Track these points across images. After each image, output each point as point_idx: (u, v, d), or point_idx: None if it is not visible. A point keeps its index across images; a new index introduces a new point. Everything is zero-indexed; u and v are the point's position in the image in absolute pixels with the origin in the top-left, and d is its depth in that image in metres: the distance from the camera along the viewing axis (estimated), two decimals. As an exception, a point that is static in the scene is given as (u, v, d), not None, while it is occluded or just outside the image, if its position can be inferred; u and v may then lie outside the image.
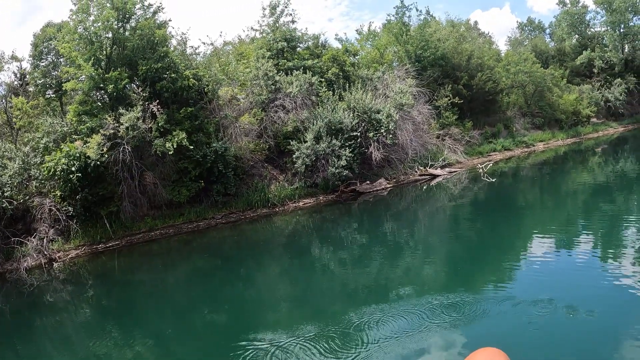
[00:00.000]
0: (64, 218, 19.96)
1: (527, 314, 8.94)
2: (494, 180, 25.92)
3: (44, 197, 20.69)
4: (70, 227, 20.00)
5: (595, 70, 51.69)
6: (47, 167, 19.50)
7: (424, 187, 26.71)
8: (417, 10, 41.12)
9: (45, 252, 18.98)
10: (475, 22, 50.93)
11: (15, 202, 19.01)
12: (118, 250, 19.80)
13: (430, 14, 41.06)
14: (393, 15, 39.02)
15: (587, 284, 10.38)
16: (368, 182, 25.75)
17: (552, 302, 9.33)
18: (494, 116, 39.01)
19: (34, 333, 12.55)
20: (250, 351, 8.92)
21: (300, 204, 24.05)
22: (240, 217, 22.71)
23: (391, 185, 26.53)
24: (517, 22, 78.01)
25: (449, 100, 33.43)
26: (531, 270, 11.96)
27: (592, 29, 56.59)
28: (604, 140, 42.84)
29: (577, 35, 57.04)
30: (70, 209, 20.16)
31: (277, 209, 23.47)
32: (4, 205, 18.50)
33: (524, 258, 13.34)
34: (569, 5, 56.98)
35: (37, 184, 20.65)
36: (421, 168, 28.58)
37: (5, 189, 18.79)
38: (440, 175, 28.35)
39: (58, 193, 20.31)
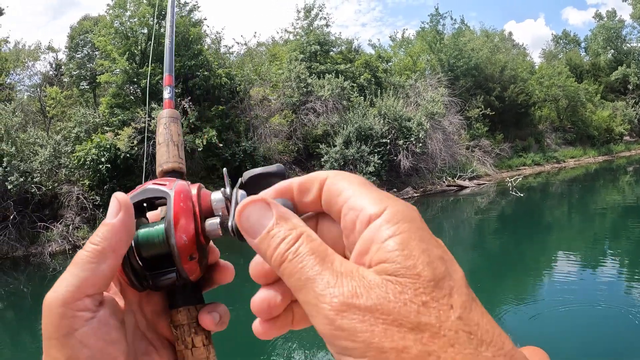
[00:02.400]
0: (91, 207, 20.15)
1: (546, 330, 8.65)
2: (522, 195, 25.42)
3: (73, 185, 20.93)
4: (96, 216, 20.18)
5: (630, 87, 50.45)
6: (77, 156, 19.72)
7: (451, 199, 26.32)
8: (451, 18, 40.64)
9: (70, 239, 19.20)
10: (510, 33, 50.30)
11: (43, 188, 19.28)
12: (142, 243, 19.81)
13: (465, 23, 40.67)
14: (427, 23, 38.70)
15: (611, 304, 10.00)
16: (395, 190, 25.46)
17: (574, 321, 9.03)
18: (525, 130, 38.35)
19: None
20: (262, 352, 8.86)
21: (326, 208, 23.83)
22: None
23: (418, 194, 26.21)
24: (552, 34, 76.81)
25: (481, 111, 32.96)
26: (553, 289, 11.57)
27: (628, 44, 55.22)
28: (636, 159, 41.80)
29: (612, 50, 55.80)
30: (97, 198, 20.37)
31: (302, 212, 23.29)
32: (32, 191, 18.80)
33: (547, 275, 12.93)
34: (605, 19, 55.93)
35: (67, 172, 20.88)
36: (449, 179, 28.20)
37: (34, 175, 19.06)
38: (468, 187, 27.94)
39: (86, 182, 20.52)
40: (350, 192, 0.44)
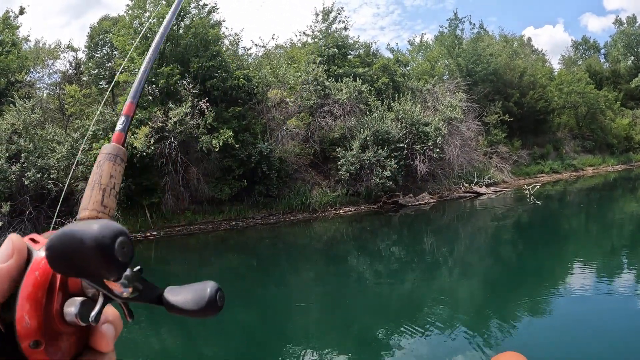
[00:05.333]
0: (106, 204, 20.23)
1: (557, 339, 8.47)
2: (539, 203, 25.08)
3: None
4: (110, 214, 20.26)
5: (651, 95, 49.75)
6: (94, 154, 19.80)
7: (467, 205, 26.06)
8: (470, 23, 40.47)
9: (83, 234, 19.28)
10: (529, 39, 49.88)
11: (60, 185, 19.41)
12: (156, 241, 19.93)
13: (484, 27, 40.37)
14: (446, 28, 38.51)
15: (628, 317, 9.76)
16: (411, 195, 25.28)
17: (587, 332, 8.82)
18: (543, 136, 37.93)
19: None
20: (274, 353, 8.81)
21: (341, 211, 23.77)
22: (279, 219, 22.58)
23: (434, 200, 25.99)
24: (572, 40, 76.06)
25: (499, 117, 32.67)
26: (569, 299, 11.32)
27: (649, 51, 54.55)
28: (655, 169, 41.20)
29: (632, 57, 54.98)
30: (112, 196, 20.44)
31: (317, 215, 23.25)
32: (49, 187, 18.93)
33: (562, 286, 12.66)
34: (626, 25, 55.17)
35: (84, 169, 20.99)
36: (466, 185, 27.94)
37: (51, 171, 19.22)
38: (485, 193, 27.64)
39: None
40: None
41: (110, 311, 0.65)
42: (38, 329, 0.54)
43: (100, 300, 0.57)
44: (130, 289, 0.61)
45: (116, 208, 0.80)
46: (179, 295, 0.66)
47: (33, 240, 0.60)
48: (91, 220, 0.51)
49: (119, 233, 0.50)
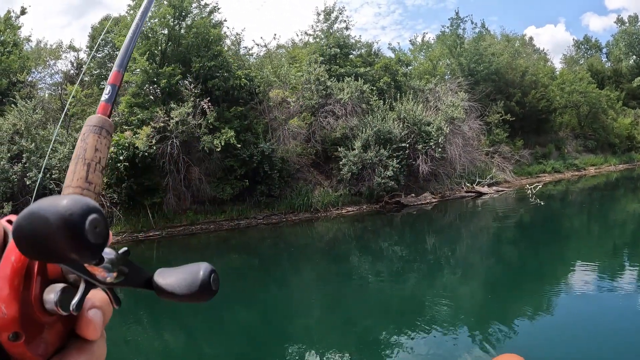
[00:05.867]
0: (108, 204, 20.31)
1: (558, 340, 8.44)
2: (541, 202, 25.01)
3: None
4: (113, 214, 20.32)
5: (653, 94, 49.64)
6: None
7: (469, 205, 26.01)
8: (472, 22, 40.41)
9: (86, 236, 19.30)
10: (530, 38, 49.76)
11: (61, 185, 19.36)
12: (158, 241, 19.92)
13: (486, 27, 40.28)
14: (447, 27, 38.46)
15: (630, 317, 9.72)
16: (413, 195, 25.24)
17: (589, 333, 8.78)
18: (545, 136, 37.85)
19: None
20: (276, 353, 8.80)
21: (343, 211, 23.73)
22: (281, 219, 22.56)
23: (436, 199, 25.93)
24: (573, 39, 75.93)
25: (501, 116, 32.60)
26: (571, 299, 11.28)
27: (651, 50, 54.42)
28: (657, 168, 41.12)
29: (634, 56, 54.86)
30: (115, 196, 20.52)
31: (319, 215, 23.22)
32: (50, 187, 18.94)
33: (564, 287, 12.60)
34: (627, 25, 55.03)
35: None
36: (468, 185, 27.88)
37: (53, 171, 19.21)
38: (487, 193, 27.59)
39: (104, 180, 20.55)
40: None
41: (99, 296, 0.59)
42: (16, 319, 0.49)
43: (82, 287, 0.53)
44: (114, 274, 0.56)
45: (102, 184, 0.74)
46: (169, 278, 0.62)
47: (10, 222, 0.55)
48: (60, 196, 0.45)
49: (89, 210, 0.43)
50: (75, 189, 0.69)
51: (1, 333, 0.48)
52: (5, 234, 0.52)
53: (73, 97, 23.48)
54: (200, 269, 0.60)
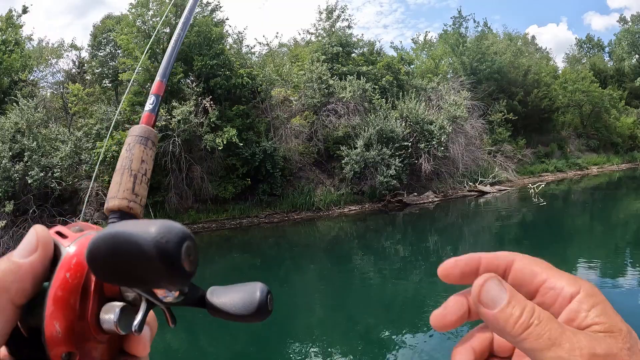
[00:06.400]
0: (109, 203, 20.26)
1: None
2: (544, 202, 24.92)
3: (92, 181, 21.07)
4: (115, 213, 20.28)
5: (656, 94, 49.45)
6: (97, 152, 19.76)
7: (472, 204, 25.93)
8: (474, 21, 40.42)
9: (88, 234, 19.31)
10: (533, 37, 49.67)
11: (63, 184, 19.40)
12: (159, 239, 19.83)
13: (488, 26, 40.22)
14: (450, 26, 38.43)
15: (632, 315, 9.66)
16: (415, 193, 25.17)
17: None
18: (547, 135, 37.75)
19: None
20: (278, 352, 8.77)
21: (345, 210, 23.68)
22: (283, 218, 22.51)
23: (438, 198, 25.86)
24: (576, 38, 75.77)
25: (503, 115, 32.53)
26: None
27: (654, 49, 54.19)
28: (659, 167, 40.98)
29: (637, 56, 54.65)
30: (117, 194, 20.45)
31: (321, 214, 23.16)
32: (52, 186, 18.93)
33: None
34: (630, 24, 54.83)
35: (87, 168, 20.99)
36: (470, 184, 27.81)
37: (55, 170, 19.18)
38: (489, 192, 27.50)
39: (106, 178, 20.59)
40: (545, 275, 0.55)
41: None
42: (71, 338, 0.46)
43: (143, 307, 0.49)
44: (176, 293, 0.51)
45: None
46: (224, 297, 0.58)
47: (60, 233, 0.51)
48: (145, 220, 0.43)
49: (184, 237, 0.42)
50: (122, 200, 0.66)
51: (53, 350, 0.46)
52: (56, 247, 0.50)
53: (75, 96, 23.50)
54: (257, 290, 0.58)
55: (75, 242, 0.49)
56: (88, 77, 27.61)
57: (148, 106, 0.81)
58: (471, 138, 28.23)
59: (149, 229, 0.40)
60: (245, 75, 22.60)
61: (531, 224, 21.91)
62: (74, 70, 29.06)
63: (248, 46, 26.78)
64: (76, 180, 20.80)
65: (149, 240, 0.39)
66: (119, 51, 25.65)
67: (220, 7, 23.86)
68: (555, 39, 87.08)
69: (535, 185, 27.82)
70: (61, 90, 26.15)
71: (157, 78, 0.86)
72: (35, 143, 19.17)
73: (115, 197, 0.66)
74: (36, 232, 0.47)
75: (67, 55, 29.30)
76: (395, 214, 23.54)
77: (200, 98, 21.15)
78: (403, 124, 24.92)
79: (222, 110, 21.69)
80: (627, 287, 11.76)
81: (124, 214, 0.64)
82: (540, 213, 23.24)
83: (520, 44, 40.51)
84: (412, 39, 50.37)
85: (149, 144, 0.75)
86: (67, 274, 0.47)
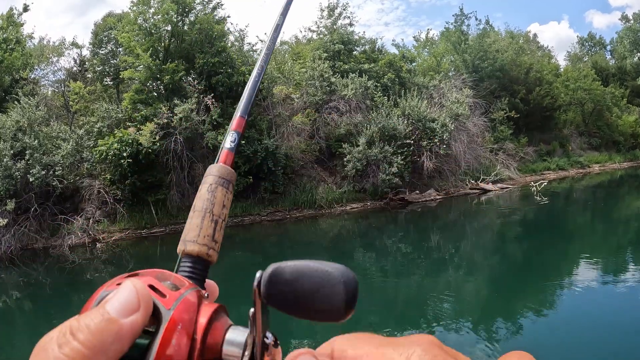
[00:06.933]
0: (112, 201, 20.29)
1: (564, 337, 8.34)
2: (546, 200, 24.84)
3: (94, 179, 21.05)
4: (116, 211, 20.30)
5: (658, 92, 49.30)
6: (99, 150, 19.75)
7: (474, 202, 25.89)
8: (476, 19, 40.23)
9: (89, 232, 19.41)
10: (535, 35, 49.54)
11: (65, 182, 19.40)
12: (161, 238, 19.86)
13: (490, 23, 40.13)
14: (452, 24, 38.32)
15: (632, 315, 9.62)
16: (417, 191, 25.12)
17: (593, 329, 8.71)
18: (549, 133, 37.70)
19: (70, 308, 12.50)
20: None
21: (347, 208, 23.63)
22: (285, 216, 22.47)
23: (441, 196, 25.81)
24: (577, 36, 75.65)
25: (505, 113, 32.50)
26: (574, 297, 11.18)
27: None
28: (660, 166, 40.92)
29: (639, 54, 54.50)
30: (118, 192, 20.48)
31: (323, 211, 23.11)
32: (54, 184, 18.92)
33: (570, 284, 12.50)
34: (632, 22, 54.67)
35: (89, 166, 20.98)
36: (472, 182, 27.75)
37: (56, 168, 19.18)
38: (491, 190, 27.46)
39: (108, 176, 20.60)
40: (363, 351, 0.49)
41: None
42: None
43: None
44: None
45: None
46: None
47: (154, 288, 0.48)
48: (325, 262, 0.49)
49: (357, 280, 0.49)
50: (202, 247, 0.64)
51: None
52: (156, 307, 0.47)
53: (76, 94, 23.46)
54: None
55: (176, 303, 0.47)
56: (89, 75, 27.51)
57: (228, 144, 0.77)
58: (473, 136, 28.16)
59: (336, 266, 0.47)
60: (247, 72, 22.53)
61: (533, 222, 21.86)
62: (75, 68, 29.00)
63: (250, 44, 26.75)
64: (77, 178, 20.77)
65: (338, 273, 0.46)
66: (120, 49, 25.59)
67: (222, 4, 23.84)
68: (556, 37, 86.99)
69: (537, 184, 27.78)
70: (62, 88, 26.10)
71: (238, 114, 0.82)
72: (36, 141, 19.14)
73: (195, 241, 0.64)
74: (137, 290, 0.45)
75: (68, 53, 29.28)
76: (397, 211, 23.51)
77: (202, 96, 21.11)
78: (405, 122, 24.86)
79: (224, 107, 21.66)
80: (628, 285, 11.73)
81: (201, 261, 0.63)
82: (542, 211, 23.20)
83: (522, 42, 40.44)
84: (414, 37, 50.37)
85: (230, 187, 0.73)
86: (173, 341, 0.46)
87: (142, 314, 0.44)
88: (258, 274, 0.50)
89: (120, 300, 0.43)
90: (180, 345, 0.46)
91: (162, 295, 0.47)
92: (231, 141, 0.76)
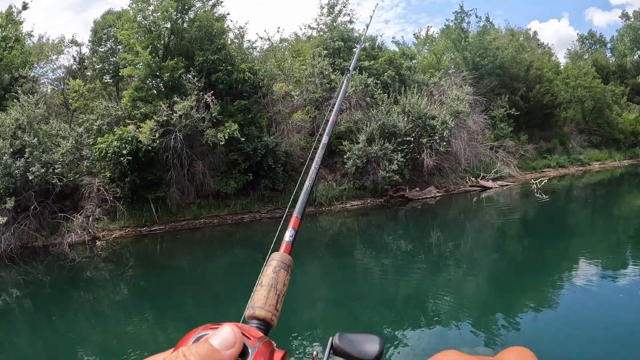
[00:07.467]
0: (111, 199, 20.27)
1: (564, 333, 8.33)
2: (546, 197, 24.78)
3: (94, 177, 21.04)
4: (116, 208, 20.28)
5: (658, 89, 49.23)
6: (99, 148, 19.72)
7: (474, 199, 25.87)
8: (476, 16, 40.16)
9: (89, 230, 19.42)
10: (535, 33, 49.43)
11: (65, 180, 19.37)
12: (161, 235, 19.87)
13: (490, 21, 40.03)
14: (452, 21, 38.22)
15: (635, 309, 9.61)
16: (417, 188, 25.11)
17: (592, 325, 8.70)
18: (549, 131, 37.65)
19: (70, 306, 12.55)
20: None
21: (347, 205, 23.62)
22: (285, 213, 22.39)
23: (441, 194, 25.79)
24: (578, 34, 75.49)
25: (505, 111, 32.46)
26: (574, 295, 11.14)
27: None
28: (660, 164, 40.92)
29: (639, 52, 54.43)
30: (118, 190, 20.45)
31: (323, 209, 23.10)
32: (53, 182, 18.90)
33: (570, 280, 12.47)
34: (632, 20, 54.56)
35: (88, 164, 20.96)
36: (472, 179, 27.73)
37: (56, 166, 19.14)
38: (491, 187, 27.46)
39: (108, 174, 20.57)
40: None
41: None
42: None
43: None
44: None
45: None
46: (350, 345, 0.79)
47: (247, 336, 0.65)
48: (368, 335, 0.77)
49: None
50: (267, 312, 0.85)
51: None
52: (245, 346, 0.62)
53: (75, 91, 23.40)
54: (377, 342, 0.81)
55: (259, 344, 0.64)
56: (89, 73, 27.46)
57: (288, 237, 1.06)
58: (473, 133, 28.13)
59: (376, 338, 0.77)
60: (246, 70, 22.51)
61: (533, 219, 21.86)
62: (74, 66, 28.94)
63: (249, 41, 26.77)
64: (77, 176, 20.74)
65: (381, 342, 0.76)
66: (119, 47, 25.53)
67: (222, 2, 23.75)
68: (557, 35, 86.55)
69: (537, 181, 27.72)
70: (62, 86, 26.05)
71: (294, 215, 1.11)
72: (36, 139, 19.10)
73: (262, 308, 0.85)
74: (234, 332, 0.59)
75: (68, 51, 29.20)
76: (397, 209, 23.49)
77: (201, 93, 21.07)
78: (405, 119, 24.83)
79: (224, 105, 21.64)
80: (627, 282, 11.72)
81: (264, 324, 0.83)
82: (542, 208, 23.18)
83: (522, 39, 40.35)
84: (414, 34, 50.33)
85: (289, 271, 0.98)
86: None
87: (237, 348, 0.58)
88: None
89: (222, 337, 0.57)
90: None
91: (248, 337, 0.63)
92: (290, 236, 1.05)
